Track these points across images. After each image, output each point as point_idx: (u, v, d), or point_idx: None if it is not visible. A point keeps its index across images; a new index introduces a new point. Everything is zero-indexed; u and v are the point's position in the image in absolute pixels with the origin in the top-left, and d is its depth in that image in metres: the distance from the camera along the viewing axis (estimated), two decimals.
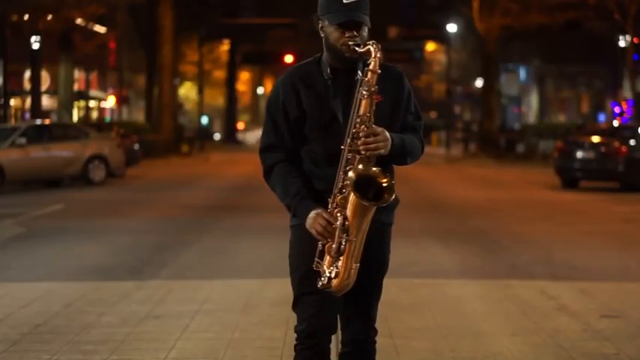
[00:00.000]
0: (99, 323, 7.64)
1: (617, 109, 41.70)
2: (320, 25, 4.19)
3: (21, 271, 10.59)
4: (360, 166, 4.01)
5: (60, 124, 29.95)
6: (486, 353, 6.72)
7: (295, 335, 4.27)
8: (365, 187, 3.98)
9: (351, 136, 4.04)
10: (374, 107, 4.05)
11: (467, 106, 73.53)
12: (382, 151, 4.03)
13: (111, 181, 25.88)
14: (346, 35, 4.11)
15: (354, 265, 4.04)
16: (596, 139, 24.16)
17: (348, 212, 4.00)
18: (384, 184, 3.99)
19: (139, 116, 57.84)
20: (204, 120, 63.64)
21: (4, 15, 30.94)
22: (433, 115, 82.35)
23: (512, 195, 22.28)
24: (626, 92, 43.05)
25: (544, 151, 41.30)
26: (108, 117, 54.29)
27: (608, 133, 24.99)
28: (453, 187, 24.58)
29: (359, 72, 4.15)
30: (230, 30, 61.50)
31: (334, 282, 4.03)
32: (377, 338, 4.40)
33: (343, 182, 4.04)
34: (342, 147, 4.05)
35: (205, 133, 61.95)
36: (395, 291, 9.03)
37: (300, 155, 4.24)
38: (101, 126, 36.03)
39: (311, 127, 4.18)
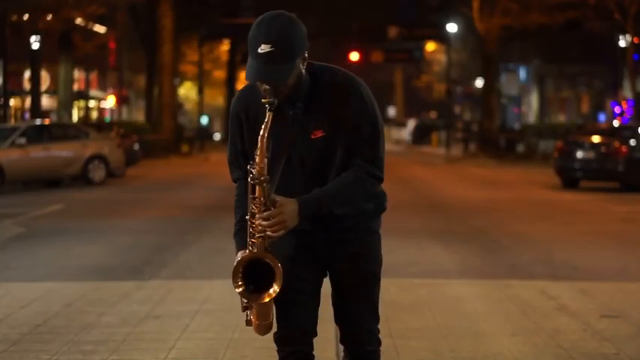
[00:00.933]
0: (99, 323, 7.64)
1: (617, 109, 41.67)
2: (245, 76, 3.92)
3: (21, 271, 10.59)
4: (251, 254, 3.83)
5: (60, 124, 29.96)
6: (486, 353, 6.72)
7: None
8: (256, 269, 3.81)
9: (250, 212, 3.82)
10: (270, 192, 3.78)
11: (467, 106, 73.53)
12: (281, 232, 3.78)
13: (111, 181, 25.89)
14: (262, 89, 3.80)
15: (264, 322, 3.95)
16: (596, 139, 24.17)
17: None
18: (273, 288, 3.81)
19: (139, 116, 57.85)
20: (204, 120, 63.61)
21: (4, 15, 30.94)
22: (433, 115, 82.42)
23: (512, 195, 22.28)
24: (627, 92, 43.05)
25: (544, 151, 41.31)
26: (108, 117, 54.30)
27: (608, 133, 24.99)
28: (453, 187, 24.58)
29: (297, 107, 3.85)
30: (230, 30, 61.47)
31: (254, 329, 4.02)
32: (380, 348, 4.21)
33: (252, 247, 3.85)
34: (247, 217, 3.85)
35: (205, 133, 61.94)
36: (395, 291, 9.03)
37: None
38: (101, 126, 36.04)
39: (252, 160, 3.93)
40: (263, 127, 3.76)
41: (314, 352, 4.13)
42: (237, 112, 3.98)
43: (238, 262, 3.84)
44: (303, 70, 3.82)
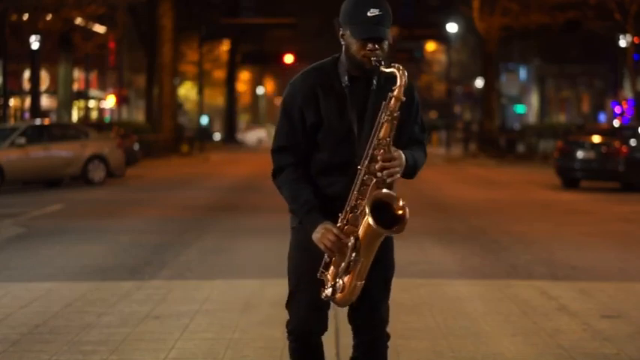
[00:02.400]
0: (99, 323, 7.64)
1: (617, 109, 41.69)
2: (341, 32, 4.19)
3: (21, 271, 10.58)
4: (381, 191, 4.04)
5: (59, 124, 29.94)
6: (486, 353, 6.72)
7: (286, 332, 4.37)
8: (380, 212, 4.01)
9: (368, 158, 4.06)
10: (394, 131, 4.08)
11: (467, 106, 73.57)
12: (398, 175, 4.09)
13: (111, 181, 25.89)
14: (367, 48, 4.12)
15: (359, 282, 4.11)
16: (596, 139, 24.17)
17: (361, 232, 4.05)
18: (400, 214, 4.04)
19: (139, 116, 57.85)
20: (204, 120, 63.64)
21: (4, 15, 30.93)
22: (433, 115, 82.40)
23: (512, 195, 22.28)
24: (627, 92, 43.06)
25: (544, 151, 41.32)
26: (108, 117, 54.30)
27: (608, 133, 24.99)
28: (453, 187, 24.58)
29: (374, 82, 4.21)
30: (230, 30, 61.55)
31: (338, 296, 4.12)
32: (389, 343, 4.41)
33: (356, 201, 4.08)
34: (359, 167, 4.08)
35: (205, 133, 61.96)
36: (395, 291, 9.00)
37: (307, 158, 4.25)
38: (101, 126, 36.03)
39: (326, 135, 4.20)
40: (399, 80, 4.12)
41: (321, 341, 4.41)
42: (311, 86, 4.21)
43: (368, 201, 4.00)
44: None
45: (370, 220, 3.97)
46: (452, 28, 52.10)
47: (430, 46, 68.38)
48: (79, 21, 36.43)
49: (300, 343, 4.32)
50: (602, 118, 55.10)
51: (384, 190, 4.05)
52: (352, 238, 4.06)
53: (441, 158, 43.71)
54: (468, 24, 50.83)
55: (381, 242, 4.17)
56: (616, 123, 33.36)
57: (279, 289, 8.94)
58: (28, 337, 7.18)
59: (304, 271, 4.22)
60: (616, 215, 17.48)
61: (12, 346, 6.89)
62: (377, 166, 4.03)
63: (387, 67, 4.12)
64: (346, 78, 4.19)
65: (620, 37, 37.16)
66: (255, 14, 64.04)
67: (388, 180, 4.06)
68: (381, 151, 4.04)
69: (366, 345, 4.32)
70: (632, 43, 36.45)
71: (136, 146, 33.50)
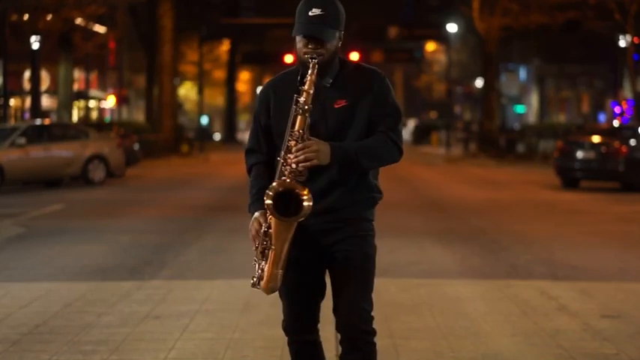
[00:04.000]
0: (99, 323, 7.64)
1: (617, 109, 41.68)
2: (293, 33, 4.32)
3: (21, 271, 10.58)
4: (285, 181, 4.15)
5: (60, 124, 29.92)
6: (486, 353, 6.72)
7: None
8: (285, 201, 4.12)
9: (285, 149, 4.20)
10: (308, 122, 4.17)
11: (467, 106, 73.56)
12: (315, 161, 4.14)
13: (111, 181, 25.89)
14: (309, 47, 4.24)
15: (279, 271, 4.22)
16: (596, 139, 24.17)
17: (270, 221, 4.20)
18: (303, 197, 4.11)
19: (139, 116, 57.86)
20: (204, 120, 63.64)
21: (4, 15, 30.92)
22: (433, 115, 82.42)
23: (512, 195, 22.28)
24: (627, 92, 43.05)
25: (544, 151, 41.33)
26: (108, 117, 54.30)
27: (608, 133, 24.99)
28: (453, 187, 24.58)
29: (328, 81, 4.30)
30: (230, 30, 61.56)
31: (262, 283, 4.26)
32: (376, 340, 4.39)
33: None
34: (278, 158, 4.23)
35: (205, 133, 61.96)
36: (395, 291, 9.04)
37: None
38: (101, 126, 36.04)
39: (276, 136, 4.35)
40: (310, 71, 4.18)
41: (320, 339, 4.50)
42: (266, 90, 4.43)
43: (270, 187, 4.13)
44: (338, 47, 4.31)
45: (266, 206, 4.12)
46: (452, 28, 52.09)
47: (430, 46, 68.35)
48: (79, 21, 36.42)
49: (295, 341, 4.45)
50: (602, 118, 55.09)
51: (288, 180, 4.14)
52: (264, 224, 4.22)
53: (441, 158, 43.71)
54: (468, 24, 50.82)
55: (353, 235, 4.28)
56: (616, 123, 33.36)
57: None
58: (28, 337, 7.18)
59: (287, 271, 4.30)
60: (616, 215, 17.48)
61: (12, 346, 6.89)
62: (291, 157, 4.15)
63: (313, 67, 4.18)
64: (299, 78, 4.29)
65: (620, 37, 37.14)
66: (255, 14, 64.06)
67: (300, 168, 4.14)
68: (293, 142, 4.16)
69: (349, 342, 4.32)
70: (632, 43, 36.43)
71: (136, 146, 33.50)
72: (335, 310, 4.35)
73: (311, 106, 4.16)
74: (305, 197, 4.11)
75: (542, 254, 12.04)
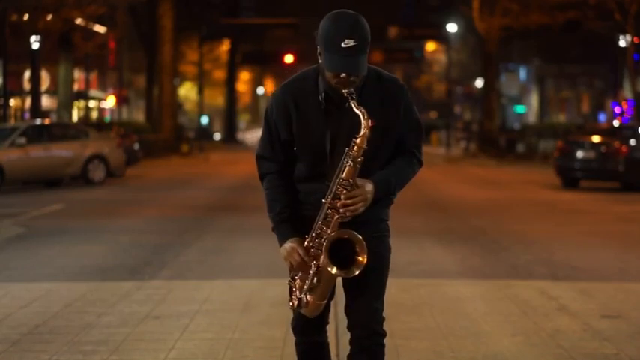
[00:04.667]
0: (99, 323, 7.64)
1: (617, 109, 41.66)
2: (318, 50, 4.18)
3: (21, 271, 10.58)
4: (346, 231, 4.17)
5: (60, 124, 29.92)
6: (486, 353, 6.72)
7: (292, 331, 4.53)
8: (340, 248, 4.16)
9: (332, 195, 4.15)
10: (357, 172, 4.14)
11: (467, 106, 73.56)
12: (361, 210, 4.16)
13: (111, 181, 25.89)
14: (341, 77, 4.11)
15: (321, 302, 4.28)
16: (596, 139, 24.17)
17: (322, 262, 4.19)
18: (359, 259, 4.16)
19: (139, 116, 57.87)
20: (204, 120, 63.64)
21: (4, 15, 30.92)
22: (433, 115, 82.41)
23: (512, 195, 22.28)
24: (627, 92, 43.05)
25: (544, 151, 41.32)
26: (108, 117, 54.29)
27: (608, 133, 24.99)
28: (453, 187, 24.58)
29: (350, 101, 4.14)
30: (230, 30, 61.56)
31: (303, 310, 4.32)
32: (386, 341, 4.40)
33: (321, 230, 4.19)
34: (323, 200, 4.17)
35: (205, 133, 61.96)
36: (395, 291, 9.03)
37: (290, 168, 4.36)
38: (101, 126, 36.03)
39: (301, 149, 4.28)
40: (362, 111, 4.09)
41: (327, 340, 4.53)
42: (284, 102, 4.26)
43: (327, 241, 4.14)
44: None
45: (324, 257, 4.16)
46: (452, 28, 52.10)
47: (430, 46, 68.35)
48: (79, 21, 36.41)
49: (304, 341, 4.47)
50: (602, 118, 55.08)
51: (350, 232, 4.17)
52: (313, 265, 4.21)
53: (441, 158, 43.71)
54: (468, 24, 50.82)
55: (371, 237, 4.25)
56: (616, 123, 33.35)
57: (279, 289, 8.95)
58: (28, 337, 7.18)
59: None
60: (616, 215, 17.48)
61: (12, 346, 6.89)
62: (339, 204, 4.14)
63: (356, 106, 4.10)
64: (323, 95, 4.21)
65: (620, 37, 37.14)
66: (255, 14, 64.07)
67: (348, 216, 4.16)
68: (344, 190, 4.14)
69: (359, 342, 4.34)
70: (632, 43, 36.42)
71: (136, 146, 33.51)
72: (347, 310, 4.36)
73: (362, 159, 4.12)
74: (362, 255, 4.16)
75: (542, 254, 12.04)
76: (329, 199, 4.16)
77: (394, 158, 4.30)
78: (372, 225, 4.30)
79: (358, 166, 4.12)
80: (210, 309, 8.23)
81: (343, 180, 4.13)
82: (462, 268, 10.93)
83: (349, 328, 4.37)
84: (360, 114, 4.09)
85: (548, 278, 10.10)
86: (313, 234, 4.22)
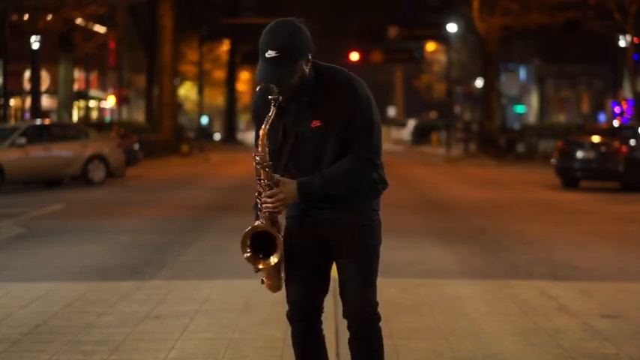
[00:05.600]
0: (99, 323, 7.64)
1: (617, 109, 41.67)
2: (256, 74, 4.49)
3: (21, 271, 10.58)
4: (259, 225, 4.47)
5: (60, 124, 29.92)
6: (486, 353, 6.72)
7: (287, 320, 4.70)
8: (263, 239, 4.47)
9: (257, 192, 4.47)
10: (270, 174, 4.40)
11: (467, 106, 73.54)
12: (282, 208, 4.42)
13: (111, 181, 25.89)
14: (270, 86, 4.40)
15: (273, 282, 4.60)
16: (596, 139, 24.17)
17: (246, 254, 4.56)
18: (276, 245, 4.45)
19: (139, 116, 57.86)
20: (204, 120, 63.62)
21: (4, 15, 30.91)
22: (433, 115, 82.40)
23: (512, 195, 22.28)
24: (627, 92, 43.05)
25: (544, 151, 41.32)
26: (108, 117, 54.29)
27: (608, 133, 24.99)
28: (453, 187, 24.58)
29: (296, 104, 4.41)
30: (230, 30, 61.55)
31: (266, 286, 4.70)
32: (381, 325, 4.58)
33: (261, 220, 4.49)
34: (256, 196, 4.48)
35: (205, 133, 61.94)
36: (395, 291, 9.04)
37: None
38: (101, 126, 36.03)
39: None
40: (265, 120, 4.38)
41: (322, 327, 4.68)
42: (256, 109, 4.56)
43: (246, 232, 4.45)
44: (307, 70, 4.37)
45: (245, 255, 4.53)
46: (452, 28, 52.09)
47: (430, 46, 68.30)
48: (79, 21, 36.41)
49: (299, 328, 4.63)
50: (602, 118, 55.08)
51: (261, 223, 4.46)
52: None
53: (441, 158, 43.71)
54: (468, 24, 50.81)
55: (358, 226, 4.47)
56: (616, 123, 33.35)
57: None
58: (28, 337, 7.18)
59: (290, 260, 4.54)
60: (616, 215, 17.48)
61: (12, 346, 6.89)
62: (262, 201, 4.44)
63: (269, 114, 4.39)
64: (276, 97, 4.44)
65: (620, 37, 37.14)
66: (255, 14, 64.02)
67: (266, 211, 4.42)
68: (266, 188, 4.42)
69: (355, 327, 4.52)
70: (632, 43, 36.42)
71: (136, 146, 33.50)
72: (342, 298, 4.55)
73: (270, 162, 4.39)
74: (277, 248, 4.44)
75: (542, 254, 12.04)
76: (255, 194, 4.47)
77: (343, 157, 4.43)
78: (358, 213, 4.47)
79: (268, 169, 4.38)
80: (210, 309, 8.23)
81: (259, 179, 4.42)
82: (462, 268, 10.94)
83: (344, 315, 4.54)
84: (264, 123, 4.37)
85: (548, 278, 10.10)
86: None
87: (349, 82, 4.41)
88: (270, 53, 4.29)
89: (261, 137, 4.38)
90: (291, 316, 4.63)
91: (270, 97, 4.35)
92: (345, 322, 4.62)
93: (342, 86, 4.40)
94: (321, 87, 4.40)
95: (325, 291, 4.63)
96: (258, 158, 4.39)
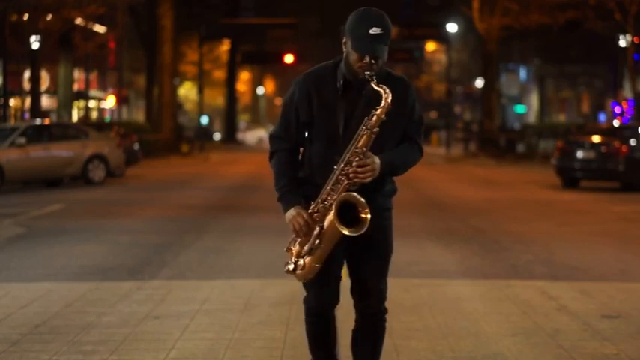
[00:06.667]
0: (99, 323, 7.64)
1: (617, 109, 41.67)
2: (344, 40, 4.70)
3: (21, 271, 10.58)
4: (351, 194, 4.58)
5: (60, 124, 29.91)
6: (486, 353, 6.72)
7: (304, 309, 4.97)
8: (346, 211, 4.58)
9: (345, 161, 4.61)
10: (371, 143, 4.60)
11: (467, 106, 73.55)
12: (369, 179, 4.61)
13: (111, 181, 25.89)
14: (364, 61, 4.60)
15: (317, 265, 4.69)
16: (596, 139, 24.17)
17: (326, 224, 4.62)
18: (362, 217, 4.56)
19: (139, 116, 57.86)
20: (204, 120, 63.61)
21: (4, 15, 30.91)
22: (433, 115, 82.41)
23: (512, 195, 22.28)
24: (627, 92, 43.04)
25: (544, 151, 41.31)
26: (108, 117, 54.28)
27: (608, 133, 24.99)
28: (453, 187, 24.58)
29: (369, 88, 4.64)
30: (230, 30, 61.50)
31: (298, 273, 4.72)
32: (387, 316, 4.93)
33: (328, 195, 4.64)
34: (335, 167, 4.62)
35: (205, 133, 61.93)
36: (395, 291, 9.02)
37: (300, 147, 4.85)
38: (101, 126, 36.04)
39: (317, 131, 4.76)
40: (382, 90, 4.58)
41: (335, 315, 4.99)
42: (307, 87, 4.75)
43: (336, 202, 4.57)
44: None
45: (333, 217, 4.56)
46: (452, 28, 52.08)
47: (430, 46, 68.33)
48: (79, 21, 36.40)
49: (315, 317, 4.91)
50: (602, 118, 55.07)
51: (354, 194, 4.59)
52: (317, 227, 4.63)
53: (441, 158, 43.71)
54: (468, 24, 50.81)
55: (377, 224, 4.68)
56: (616, 123, 33.35)
57: (279, 289, 8.96)
58: (28, 337, 7.18)
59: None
60: (616, 215, 17.48)
61: (12, 346, 6.89)
62: (350, 170, 4.59)
63: (376, 85, 4.58)
64: (341, 82, 4.70)
65: (620, 37, 37.14)
66: (255, 14, 64.02)
67: (359, 182, 4.60)
68: (357, 158, 4.59)
69: (367, 319, 4.89)
70: (632, 43, 36.43)
71: (136, 146, 33.49)
72: (353, 290, 4.86)
73: (378, 129, 4.58)
74: (365, 214, 4.56)
75: (542, 254, 12.04)
76: (341, 166, 4.61)
77: (400, 140, 4.78)
78: (377, 213, 4.70)
79: (373, 136, 4.58)
80: (210, 309, 8.23)
81: (357, 148, 4.58)
82: (462, 268, 10.94)
83: (357, 306, 4.88)
84: (381, 90, 4.57)
85: (548, 278, 10.11)
86: (319, 200, 4.67)
87: (406, 80, 4.83)
88: (375, 30, 4.57)
89: (383, 104, 4.56)
90: (313, 307, 4.89)
91: (367, 73, 4.55)
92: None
93: (403, 82, 4.79)
94: (387, 79, 4.70)
95: (340, 280, 4.90)
96: (371, 122, 4.56)
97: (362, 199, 4.56)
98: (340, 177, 4.61)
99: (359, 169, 4.58)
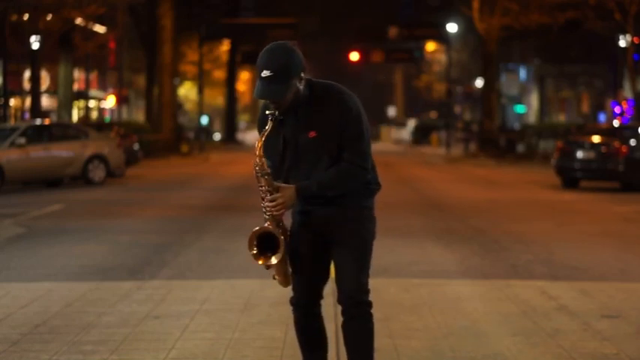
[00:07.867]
0: (99, 323, 7.64)
1: (617, 109, 41.66)
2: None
3: (21, 271, 10.58)
4: (263, 227, 4.92)
5: (60, 124, 29.91)
6: (486, 353, 6.72)
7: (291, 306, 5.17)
8: (267, 241, 4.91)
9: (260, 198, 4.92)
10: (270, 181, 4.85)
11: (467, 106, 73.55)
12: (282, 211, 4.86)
13: (111, 181, 25.89)
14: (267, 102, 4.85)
15: (282, 278, 5.05)
16: (596, 139, 24.17)
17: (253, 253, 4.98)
18: (281, 238, 4.88)
19: (139, 116, 57.85)
20: (204, 120, 63.60)
21: (4, 15, 30.91)
22: (433, 115, 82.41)
23: (512, 195, 22.28)
24: (627, 92, 43.04)
25: (544, 151, 41.31)
26: (108, 117, 54.28)
27: (608, 133, 24.98)
28: (453, 187, 24.58)
29: (293, 116, 4.87)
30: (230, 30, 61.50)
31: (278, 281, 5.13)
32: (373, 311, 4.97)
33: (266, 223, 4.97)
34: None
35: (205, 133, 61.91)
36: (395, 291, 9.04)
37: None
38: (101, 126, 36.04)
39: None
40: (262, 132, 4.85)
41: (321, 313, 5.16)
42: (261, 114, 4.99)
43: (253, 232, 4.91)
44: (301, 87, 4.82)
45: (251, 253, 4.93)
46: (452, 28, 52.09)
47: (430, 46, 68.28)
48: (79, 21, 36.39)
49: (300, 312, 5.09)
50: (602, 118, 55.07)
51: (265, 226, 4.92)
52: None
53: (441, 158, 43.72)
54: (468, 24, 50.80)
55: (354, 220, 4.92)
56: (616, 123, 33.35)
57: (279, 289, 8.89)
58: (28, 337, 7.18)
59: (295, 253, 5.01)
60: (616, 215, 17.48)
61: (12, 346, 6.90)
62: (265, 206, 4.90)
63: (270, 123, 4.82)
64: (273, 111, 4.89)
65: (620, 37, 37.14)
66: (255, 14, 64.03)
67: (270, 215, 4.88)
68: (267, 194, 4.89)
69: (348, 311, 4.95)
70: (632, 43, 36.42)
71: (136, 146, 33.50)
72: (338, 284, 4.96)
73: (268, 170, 4.85)
74: (279, 236, 4.87)
75: (542, 254, 12.04)
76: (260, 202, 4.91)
77: (334, 165, 4.88)
78: (354, 210, 4.93)
79: (267, 177, 4.84)
80: (210, 309, 8.23)
81: (261, 186, 4.88)
82: (462, 268, 10.94)
83: (339, 300, 4.97)
84: (261, 135, 4.83)
85: (548, 278, 10.11)
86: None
87: (340, 96, 4.84)
88: (265, 73, 4.74)
89: (258, 147, 4.83)
90: (294, 302, 5.10)
91: (267, 112, 4.81)
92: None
93: (333, 100, 4.83)
94: (315, 101, 4.84)
95: (325, 280, 5.09)
96: (257, 168, 4.83)
97: (273, 232, 4.86)
98: (264, 211, 4.92)
99: (269, 205, 4.86)
